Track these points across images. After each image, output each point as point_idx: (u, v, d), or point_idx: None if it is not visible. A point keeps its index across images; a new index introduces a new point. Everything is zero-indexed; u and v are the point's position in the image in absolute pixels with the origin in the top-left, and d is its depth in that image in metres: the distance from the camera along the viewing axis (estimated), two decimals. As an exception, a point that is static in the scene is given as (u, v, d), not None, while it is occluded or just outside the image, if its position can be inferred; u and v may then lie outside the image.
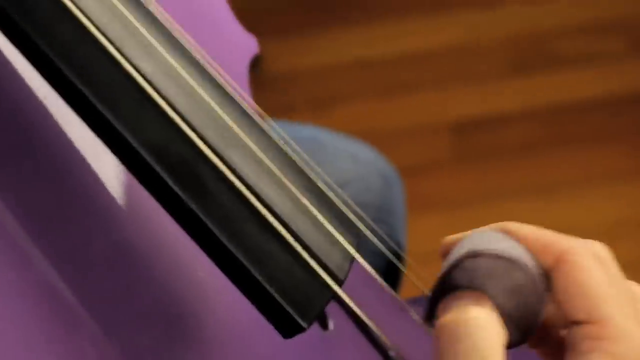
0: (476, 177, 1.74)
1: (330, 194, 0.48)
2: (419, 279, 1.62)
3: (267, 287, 0.43)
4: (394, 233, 0.79)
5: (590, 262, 0.39)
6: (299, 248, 0.44)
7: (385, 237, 0.59)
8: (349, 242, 0.46)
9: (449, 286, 0.41)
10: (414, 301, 0.71)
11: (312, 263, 0.44)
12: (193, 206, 0.42)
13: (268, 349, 0.50)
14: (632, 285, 0.42)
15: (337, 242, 0.45)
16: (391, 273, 0.81)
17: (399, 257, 0.81)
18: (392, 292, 0.49)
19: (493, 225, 0.43)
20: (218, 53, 0.54)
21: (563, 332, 0.44)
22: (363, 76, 1.85)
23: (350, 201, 0.52)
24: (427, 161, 1.76)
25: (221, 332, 0.49)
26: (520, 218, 1.67)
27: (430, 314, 0.42)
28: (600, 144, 1.75)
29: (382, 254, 0.78)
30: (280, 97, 1.84)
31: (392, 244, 0.68)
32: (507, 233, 0.43)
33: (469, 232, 0.44)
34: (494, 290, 0.40)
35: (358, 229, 0.48)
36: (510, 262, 0.40)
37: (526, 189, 1.71)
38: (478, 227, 1.67)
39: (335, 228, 0.46)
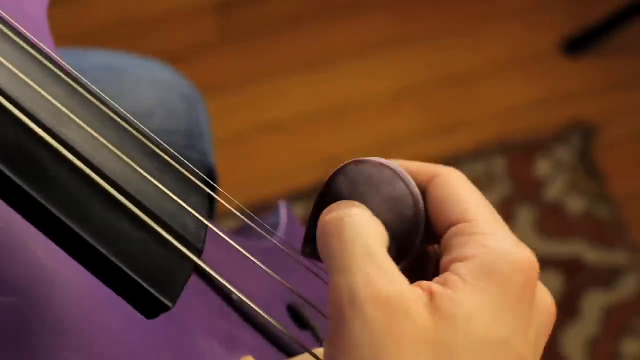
0: (246, 56, 1.74)
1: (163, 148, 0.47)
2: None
3: (126, 270, 0.42)
4: (205, 157, 0.79)
5: (459, 176, 0.44)
6: (152, 223, 0.43)
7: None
8: (200, 206, 0.46)
9: (330, 196, 0.44)
10: (237, 232, 0.72)
11: (169, 237, 0.43)
12: (36, 194, 0.41)
13: (120, 325, 0.50)
14: None
15: (189, 209, 0.45)
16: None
17: (214, 181, 0.80)
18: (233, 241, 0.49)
19: None
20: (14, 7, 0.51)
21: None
22: (115, -39, 1.80)
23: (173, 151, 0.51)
24: (194, 44, 1.75)
25: (70, 315, 0.48)
26: (298, 93, 1.70)
27: (313, 226, 0.44)
28: (368, 13, 1.78)
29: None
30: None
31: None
32: None
33: None
34: (375, 199, 0.44)
35: (203, 188, 0.47)
36: (392, 171, 0.44)
37: (300, 63, 1.73)
38: (254, 108, 1.68)
39: (184, 192, 0.46)
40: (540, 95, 1.68)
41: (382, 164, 0.44)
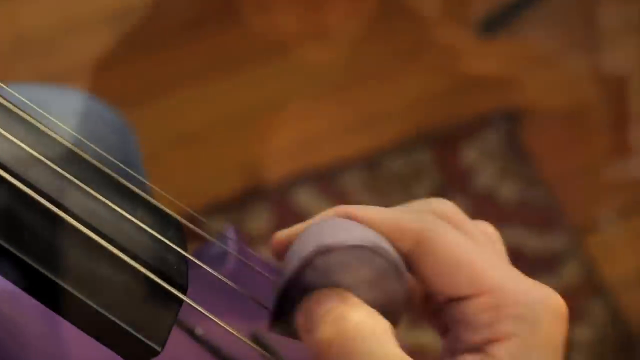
0: (149, 68, 1.71)
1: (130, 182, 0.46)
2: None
3: (111, 317, 0.40)
4: (144, 187, 0.77)
5: (451, 233, 0.40)
6: (134, 263, 0.41)
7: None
8: (177, 239, 0.44)
9: (299, 290, 0.40)
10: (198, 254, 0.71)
11: (153, 276, 0.42)
12: (10, 247, 0.39)
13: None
14: (481, 225, 0.43)
15: (168, 244, 0.43)
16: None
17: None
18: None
19: (332, 212, 0.42)
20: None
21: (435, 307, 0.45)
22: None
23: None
24: (93, 59, 1.72)
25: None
26: (209, 100, 1.68)
27: (279, 319, 0.41)
28: (272, 12, 1.77)
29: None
30: None
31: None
32: (351, 218, 0.42)
33: (303, 224, 0.42)
34: (354, 283, 0.40)
35: (175, 217, 0.46)
36: (364, 249, 0.39)
37: (208, 69, 1.71)
38: (164, 121, 1.66)
39: (160, 226, 0.44)
40: (460, 80, 1.69)
41: (353, 247, 0.39)
